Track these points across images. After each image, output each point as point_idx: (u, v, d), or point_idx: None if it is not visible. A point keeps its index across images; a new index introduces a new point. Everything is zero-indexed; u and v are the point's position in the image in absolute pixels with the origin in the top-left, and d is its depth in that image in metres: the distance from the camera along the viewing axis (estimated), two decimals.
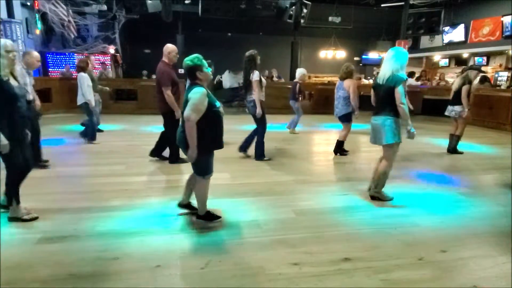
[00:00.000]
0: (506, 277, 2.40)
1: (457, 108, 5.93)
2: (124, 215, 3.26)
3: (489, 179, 4.78)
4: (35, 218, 3.06)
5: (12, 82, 2.93)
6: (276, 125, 8.13)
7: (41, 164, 4.73)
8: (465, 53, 14.87)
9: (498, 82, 12.74)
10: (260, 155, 5.44)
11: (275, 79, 13.29)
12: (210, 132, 2.84)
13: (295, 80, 7.92)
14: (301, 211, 3.47)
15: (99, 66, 12.52)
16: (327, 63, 17.15)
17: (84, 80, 6.03)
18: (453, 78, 12.60)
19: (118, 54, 13.67)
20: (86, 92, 6.02)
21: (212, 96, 2.88)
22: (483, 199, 3.97)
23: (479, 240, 2.95)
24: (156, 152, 5.23)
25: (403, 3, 10.42)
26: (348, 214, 3.44)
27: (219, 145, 2.98)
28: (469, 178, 4.78)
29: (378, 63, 18.25)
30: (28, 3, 10.90)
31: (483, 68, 14.24)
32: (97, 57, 13.50)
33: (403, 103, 3.40)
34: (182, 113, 2.78)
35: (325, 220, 3.30)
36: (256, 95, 5.01)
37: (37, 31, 11.88)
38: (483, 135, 8.25)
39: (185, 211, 3.31)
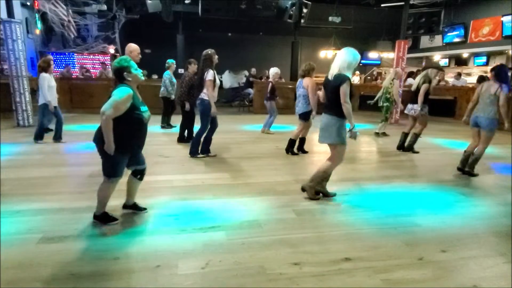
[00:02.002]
0: (506, 277, 2.40)
1: (417, 106, 5.88)
2: (124, 215, 3.27)
3: (489, 179, 4.79)
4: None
5: None
6: (277, 125, 8.14)
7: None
8: (465, 53, 14.88)
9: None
10: (193, 152, 5.42)
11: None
12: (129, 135, 2.82)
13: (269, 80, 7.89)
14: (302, 211, 3.48)
15: (99, 66, 12.55)
16: (327, 63, 17.05)
17: (45, 81, 5.91)
18: (452, 78, 12.62)
19: (118, 54, 13.66)
20: (46, 93, 5.91)
21: (138, 100, 2.89)
22: (483, 199, 3.97)
23: (479, 240, 2.95)
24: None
25: (403, 3, 10.40)
26: (348, 214, 3.44)
27: (136, 148, 2.97)
28: (469, 178, 4.78)
29: (378, 63, 18.29)
30: (28, 3, 10.90)
31: (483, 68, 14.31)
32: (97, 57, 13.54)
33: (347, 102, 3.39)
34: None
35: (326, 220, 3.30)
36: (210, 94, 5.01)
37: (37, 31, 11.89)
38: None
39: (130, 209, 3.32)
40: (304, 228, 3.10)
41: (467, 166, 4.84)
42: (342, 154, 3.71)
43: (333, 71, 3.51)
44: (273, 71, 7.72)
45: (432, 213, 3.51)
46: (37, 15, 11.59)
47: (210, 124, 5.29)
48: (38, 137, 6.26)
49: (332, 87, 3.46)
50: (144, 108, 2.92)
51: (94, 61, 13.52)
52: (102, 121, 2.69)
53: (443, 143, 7.10)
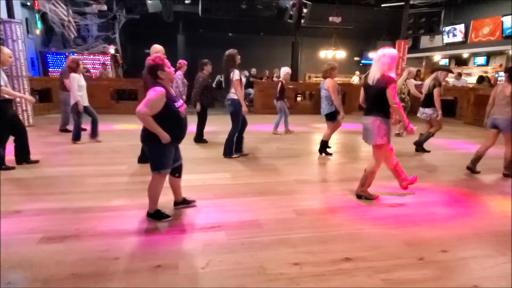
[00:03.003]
0: (507, 277, 2.40)
1: (428, 110, 5.87)
2: (125, 215, 3.27)
3: (489, 179, 4.78)
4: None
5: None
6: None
7: (29, 162, 4.84)
8: (465, 53, 14.88)
9: (498, 82, 12.73)
10: (227, 152, 5.44)
11: (275, 79, 13.27)
12: (169, 128, 2.89)
13: (279, 79, 7.90)
14: (302, 211, 3.48)
15: (99, 66, 12.54)
16: (328, 63, 17.16)
17: (75, 81, 6.00)
18: (452, 78, 12.60)
19: (118, 54, 13.67)
20: (75, 93, 6.00)
21: (172, 96, 2.96)
22: (483, 199, 3.97)
23: (479, 240, 2.95)
24: None
25: (403, 3, 10.41)
26: (349, 214, 3.44)
27: (178, 139, 3.06)
28: (469, 178, 4.79)
29: None
30: (28, 3, 10.90)
31: (483, 68, 14.31)
32: (97, 57, 13.53)
33: (396, 102, 3.40)
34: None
35: (326, 220, 3.30)
36: (239, 94, 5.07)
37: (37, 31, 11.89)
38: (483, 135, 8.22)
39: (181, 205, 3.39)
40: (304, 228, 3.10)
41: (470, 162, 4.89)
42: (386, 153, 3.72)
43: (374, 74, 3.51)
44: (284, 70, 7.71)
45: (432, 213, 3.51)
46: (37, 15, 11.58)
47: (241, 123, 5.36)
48: (77, 137, 6.31)
49: (376, 89, 3.47)
50: (179, 103, 2.99)
51: (94, 61, 13.51)
52: (141, 120, 2.81)
53: (444, 143, 7.09)
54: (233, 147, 5.48)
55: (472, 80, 13.46)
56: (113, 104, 10.47)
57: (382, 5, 13.98)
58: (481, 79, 11.23)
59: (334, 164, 5.56)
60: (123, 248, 2.65)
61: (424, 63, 17.05)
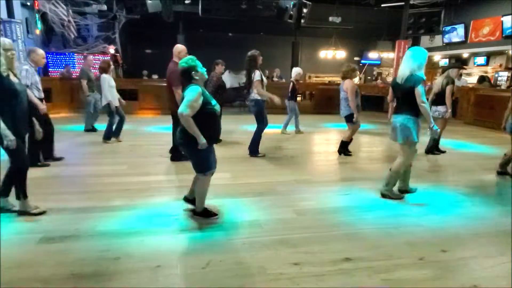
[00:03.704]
0: (507, 277, 2.40)
1: (441, 108, 5.84)
2: (125, 215, 3.27)
3: (489, 179, 4.79)
4: (43, 213, 3.15)
5: (12, 78, 2.97)
6: (278, 125, 8.13)
7: (55, 159, 4.99)
8: (465, 53, 14.87)
9: (498, 82, 12.73)
10: (254, 151, 5.55)
11: (275, 79, 13.28)
12: (206, 129, 2.90)
13: (290, 79, 7.92)
14: (302, 211, 3.48)
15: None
16: (328, 63, 17.16)
17: (106, 81, 6.08)
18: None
19: (118, 54, 13.66)
20: (108, 93, 6.08)
21: (207, 94, 2.98)
22: (483, 199, 3.97)
23: (479, 240, 2.95)
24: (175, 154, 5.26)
25: (403, 3, 10.42)
26: (348, 214, 3.44)
27: (214, 141, 3.09)
28: (469, 178, 4.78)
29: (378, 63, 18.29)
30: (28, 3, 10.90)
31: (483, 68, 14.30)
32: (97, 57, 13.52)
33: (424, 102, 3.41)
34: None
35: (326, 220, 3.30)
36: (261, 93, 5.15)
37: (37, 31, 11.88)
38: (483, 135, 8.25)
39: (189, 206, 3.35)
40: (304, 228, 3.10)
41: (499, 166, 4.86)
42: (413, 152, 3.74)
43: (403, 73, 3.52)
44: (296, 71, 7.72)
45: (432, 213, 3.51)
46: (37, 15, 11.58)
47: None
48: (108, 136, 6.37)
49: (405, 88, 3.49)
50: (214, 102, 3.00)
51: (94, 61, 13.51)
52: (184, 122, 2.80)
53: (443, 143, 7.09)
54: (259, 146, 5.56)
55: (472, 80, 13.44)
56: None
57: (382, 5, 13.98)
58: (482, 79, 11.22)
59: (334, 164, 5.56)
60: (123, 248, 2.65)
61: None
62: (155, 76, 12.98)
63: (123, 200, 3.64)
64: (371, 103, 11.95)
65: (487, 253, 2.74)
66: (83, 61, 7.36)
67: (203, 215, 3.18)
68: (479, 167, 5.35)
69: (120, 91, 11.72)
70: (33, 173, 4.48)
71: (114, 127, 6.44)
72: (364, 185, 4.36)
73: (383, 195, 3.84)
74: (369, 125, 9.52)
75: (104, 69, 6.20)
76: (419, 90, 3.39)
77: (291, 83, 7.71)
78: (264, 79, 5.28)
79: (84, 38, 13.63)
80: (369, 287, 2.27)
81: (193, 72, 2.91)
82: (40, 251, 2.60)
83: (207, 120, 2.92)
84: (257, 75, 5.11)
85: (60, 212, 3.26)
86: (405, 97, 3.54)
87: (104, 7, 11.89)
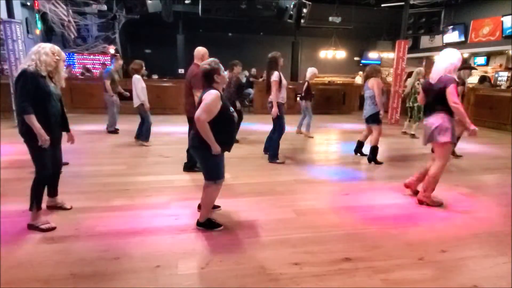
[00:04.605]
0: (506, 277, 2.40)
1: None
2: (125, 215, 3.27)
3: (489, 179, 4.79)
4: (53, 229, 2.92)
5: (48, 81, 2.93)
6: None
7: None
8: (465, 53, 14.87)
9: (498, 82, 12.73)
10: (273, 156, 5.37)
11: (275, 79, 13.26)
12: (222, 134, 2.83)
13: (305, 79, 7.85)
14: (302, 211, 3.48)
15: (99, 66, 12.55)
16: (328, 63, 17.16)
17: (139, 82, 6.09)
18: None
19: (118, 54, 13.66)
20: (141, 94, 6.08)
21: (226, 100, 2.90)
22: (483, 199, 3.97)
23: (479, 240, 2.95)
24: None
25: (403, 3, 10.39)
26: (348, 214, 3.44)
27: (229, 147, 2.96)
28: (469, 178, 4.79)
29: (378, 63, 18.29)
30: (28, 3, 10.90)
31: (483, 68, 14.30)
32: (97, 57, 13.54)
33: (457, 102, 3.37)
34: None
35: (326, 220, 3.30)
36: (273, 95, 5.04)
37: (37, 31, 11.88)
38: (483, 135, 8.24)
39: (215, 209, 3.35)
40: (304, 228, 3.10)
41: None
42: (449, 153, 3.69)
43: (437, 74, 3.49)
44: (311, 71, 7.65)
45: (432, 213, 3.51)
46: (37, 15, 11.58)
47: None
48: (147, 138, 6.35)
49: (438, 89, 3.44)
50: (231, 108, 2.94)
51: (94, 61, 13.53)
52: (199, 127, 2.71)
53: None
54: (278, 152, 5.38)
55: (472, 80, 13.44)
56: None
57: (382, 5, 13.98)
58: (482, 79, 11.22)
59: (334, 164, 5.56)
60: (123, 248, 2.65)
61: (424, 63, 17.04)
62: (155, 76, 12.98)
63: (122, 200, 3.64)
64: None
65: (487, 253, 2.74)
66: (112, 61, 7.24)
67: (206, 226, 3.03)
68: (479, 167, 5.35)
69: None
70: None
71: (137, 128, 6.42)
72: (364, 185, 4.36)
73: (421, 202, 3.68)
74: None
75: (136, 70, 6.21)
76: (452, 90, 3.34)
77: (306, 83, 7.61)
78: (284, 80, 5.19)
79: (84, 38, 13.63)
80: (369, 287, 2.27)
81: (215, 75, 2.85)
82: (40, 251, 2.60)
83: (224, 126, 2.83)
84: (275, 75, 5.03)
85: (60, 212, 3.26)
86: (438, 97, 3.46)
87: (104, 7, 11.87)
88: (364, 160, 5.67)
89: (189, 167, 4.70)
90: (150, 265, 2.44)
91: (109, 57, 13.16)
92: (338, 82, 16.05)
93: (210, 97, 2.73)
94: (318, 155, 6.16)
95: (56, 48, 2.96)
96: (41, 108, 2.82)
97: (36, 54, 2.82)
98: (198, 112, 2.71)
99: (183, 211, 3.38)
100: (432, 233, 3.05)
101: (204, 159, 2.92)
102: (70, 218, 3.16)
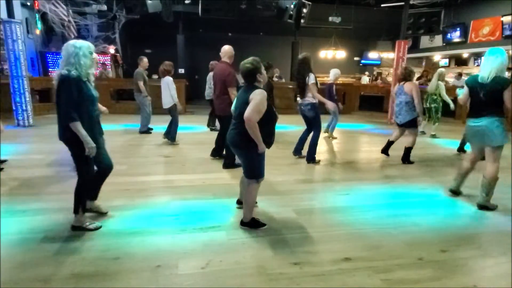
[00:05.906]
0: (506, 277, 2.41)
1: None
2: (125, 215, 3.27)
3: None
4: (99, 228, 2.94)
5: (89, 84, 2.84)
6: (279, 126, 8.11)
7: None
8: (465, 53, 14.88)
9: None
10: (311, 158, 5.41)
11: (275, 79, 13.27)
12: (265, 132, 2.83)
13: (330, 81, 7.77)
14: (302, 210, 3.48)
15: (100, 66, 12.54)
16: (328, 63, 17.12)
17: (172, 84, 6.13)
18: (452, 78, 12.59)
19: (118, 54, 13.67)
20: (174, 95, 6.12)
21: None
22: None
23: (479, 240, 2.96)
24: (218, 152, 5.28)
25: (403, 3, 10.39)
26: (348, 214, 3.44)
27: (270, 145, 2.98)
28: (469, 178, 4.78)
29: (378, 63, 18.30)
30: (28, 3, 10.89)
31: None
32: (97, 57, 13.51)
33: None
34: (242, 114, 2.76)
35: (326, 219, 3.31)
36: (317, 96, 5.21)
37: (37, 31, 11.88)
38: None
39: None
40: (304, 228, 3.10)
41: None
42: (500, 155, 3.61)
43: (488, 74, 3.37)
44: (335, 72, 7.58)
45: (432, 213, 3.51)
46: (37, 15, 11.58)
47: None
48: (174, 138, 6.42)
49: (492, 89, 3.35)
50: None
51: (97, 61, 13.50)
52: (251, 127, 2.69)
53: (443, 143, 7.10)
54: (315, 152, 5.41)
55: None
56: (113, 104, 10.45)
57: (382, 5, 13.98)
58: None
59: (334, 163, 5.56)
60: (123, 248, 2.65)
61: (424, 63, 17.05)
62: (155, 76, 12.96)
63: (123, 200, 3.64)
64: (371, 103, 11.95)
65: (487, 253, 2.74)
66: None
67: (251, 226, 3.03)
68: (478, 167, 5.34)
69: (120, 91, 11.83)
70: (33, 173, 4.50)
71: (167, 127, 6.47)
72: (364, 185, 4.36)
73: (482, 206, 3.61)
74: (369, 125, 9.52)
75: (168, 71, 6.28)
76: (510, 91, 3.26)
77: (333, 85, 7.46)
78: (317, 82, 5.21)
79: (84, 38, 13.57)
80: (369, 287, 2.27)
81: (258, 74, 2.85)
82: (41, 250, 2.60)
83: (267, 124, 2.83)
84: (311, 78, 5.04)
85: (61, 212, 3.26)
86: (491, 98, 3.36)
87: (104, 7, 11.87)
88: (366, 160, 5.67)
89: (227, 164, 4.86)
90: (151, 265, 2.44)
91: (109, 57, 13.17)
92: (338, 82, 16.03)
93: (259, 97, 2.73)
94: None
95: (92, 46, 2.83)
96: (86, 113, 2.73)
97: (75, 57, 2.67)
98: (249, 113, 2.68)
99: (183, 211, 3.38)
100: (432, 233, 3.05)
101: (248, 159, 2.93)
102: (71, 218, 3.15)
